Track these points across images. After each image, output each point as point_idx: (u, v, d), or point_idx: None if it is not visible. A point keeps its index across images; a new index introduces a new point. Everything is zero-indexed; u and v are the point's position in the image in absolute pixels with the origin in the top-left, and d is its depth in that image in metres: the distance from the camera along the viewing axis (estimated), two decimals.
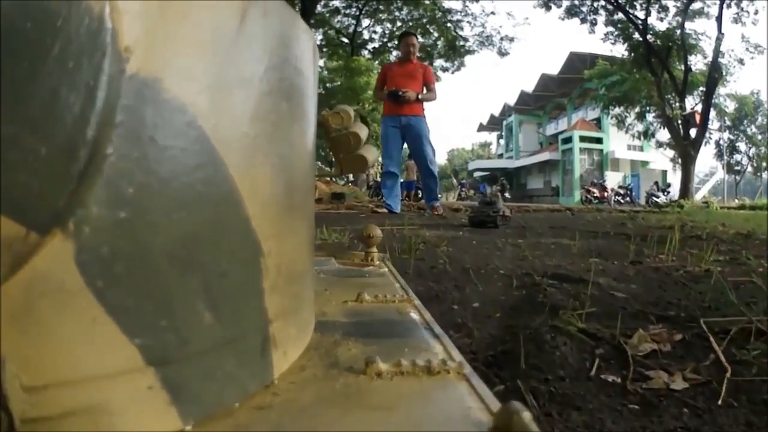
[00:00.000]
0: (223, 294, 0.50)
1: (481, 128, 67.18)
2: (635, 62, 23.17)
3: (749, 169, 40.55)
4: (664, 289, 1.99)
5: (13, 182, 0.35)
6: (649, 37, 21.63)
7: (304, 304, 0.70)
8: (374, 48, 23.79)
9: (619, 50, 24.15)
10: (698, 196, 24.94)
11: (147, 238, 0.43)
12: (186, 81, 0.46)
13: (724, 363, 1.14)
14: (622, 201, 26.52)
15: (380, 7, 22.03)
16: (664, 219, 6.86)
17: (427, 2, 21.18)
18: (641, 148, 41.63)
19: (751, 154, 38.75)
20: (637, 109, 26.55)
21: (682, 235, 3.90)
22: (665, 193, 26.10)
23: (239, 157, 0.52)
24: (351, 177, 20.53)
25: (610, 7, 22.30)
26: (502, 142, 61.37)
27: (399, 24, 21.70)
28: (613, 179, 35.81)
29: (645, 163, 42.64)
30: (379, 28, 23.66)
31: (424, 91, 7.15)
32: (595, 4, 22.69)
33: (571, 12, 23.03)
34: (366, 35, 24.15)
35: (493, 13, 28.13)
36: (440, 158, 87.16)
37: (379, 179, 9.69)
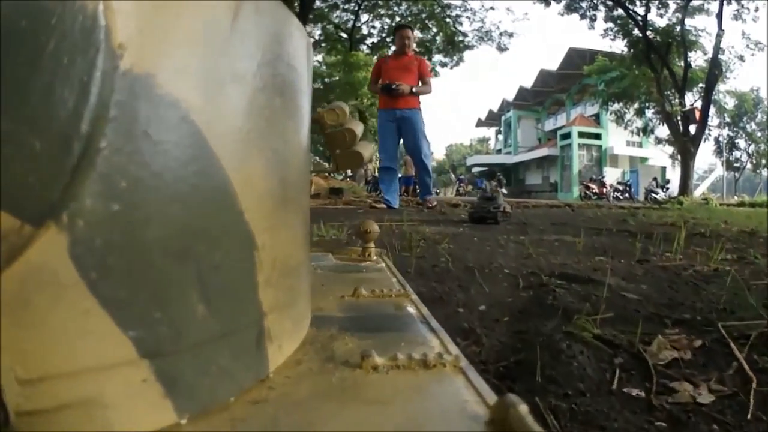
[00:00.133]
0: (217, 287, 0.50)
1: (480, 124, 67.18)
2: (635, 58, 23.16)
3: (748, 166, 40.59)
4: (675, 290, 1.94)
5: (7, 175, 0.35)
6: (648, 33, 21.62)
7: (300, 298, 0.71)
8: (373, 43, 23.77)
9: (619, 46, 24.13)
10: (697, 193, 24.96)
11: (140, 231, 0.43)
12: (179, 77, 0.46)
13: (749, 372, 1.10)
14: (620, 197, 26.61)
15: (379, 2, 22.01)
16: (665, 216, 6.81)
17: None
18: (640, 145, 41.65)
19: (750, 151, 38.80)
20: (636, 105, 26.56)
21: (686, 233, 3.87)
22: (664, 190, 26.16)
23: (232, 152, 0.52)
24: (349, 172, 20.55)
25: (609, 2, 22.27)
26: (500, 137, 61.38)
27: (398, 19, 21.63)
28: (611, 175, 35.85)
29: (644, 160, 42.69)
30: (378, 23, 23.66)
31: (420, 84, 7.15)
32: (595, 0, 22.68)
33: (571, 7, 22.99)
34: (365, 30, 24.15)
35: (492, 8, 28.21)
36: (438, 154, 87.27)
37: (377, 174, 9.66)
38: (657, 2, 21.60)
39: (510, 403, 0.44)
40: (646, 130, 28.37)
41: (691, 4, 21.14)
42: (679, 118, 21.71)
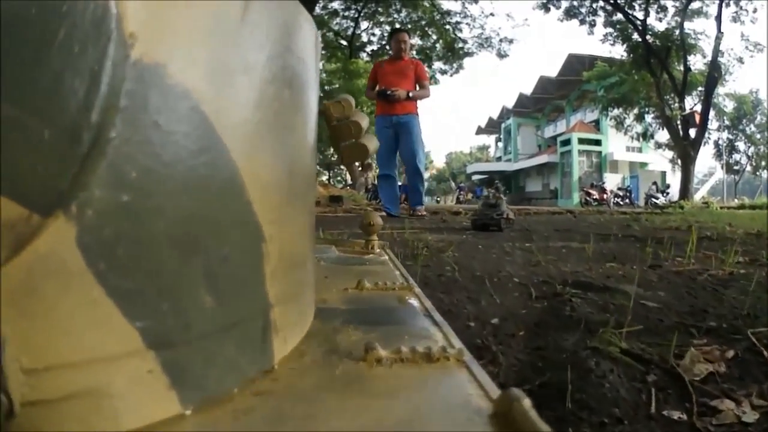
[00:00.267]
0: (225, 278, 0.51)
1: (480, 131, 67.18)
2: (634, 63, 23.19)
3: (748, 168, 40.56)
4: (694, 296, 1.86)
5: (16, 165, 0.36)
6: (648, 37, 21.65)
7: (305, 291, 0.71)
8: (373, 50, 23.77)
9: (618, 51, 24.20)
10: (697, 197, 24.94)
11: (149, 221, 0.43)
12: (189, 67, 0.46)
13: None
14: (621, 203, 26.59)
15: (379, 9, 22.02)
16: (669, 220, 6.75)
17: (426, 4, 21.18)
18: (640, 150, 41.68)
19: (750, 154, 38.78)
20: (635, 111, 26.58)
21: (693, 237, 3.84)
22: (664, 194, 26.13)
23: (241, 143, 0.52)
24: (349, 180, 20.48)
25: (608, 7, 22.33)
26: (500, 145, 61.38)
27: (398, 26, 21.70)
28: (612, 181, 35.87)
29: (644, 165, 42.71)
30: (377, 31, 23.64)
31: (417, 88, 6.97)
32: (594, 5, 22.73)
33: (570, 13, 23.06)
34: (365, 38, 24.16)
35: (492, 14, 28.20)
36: (438, 162, 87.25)
37: (377, 183, 9.55)
38: (656, 6, 21.66)
39: (513, 397, 0.44)
40: (645, 135, 28.39)
41: (689, 7, 21.17)
42: (679, 122, 21.72)
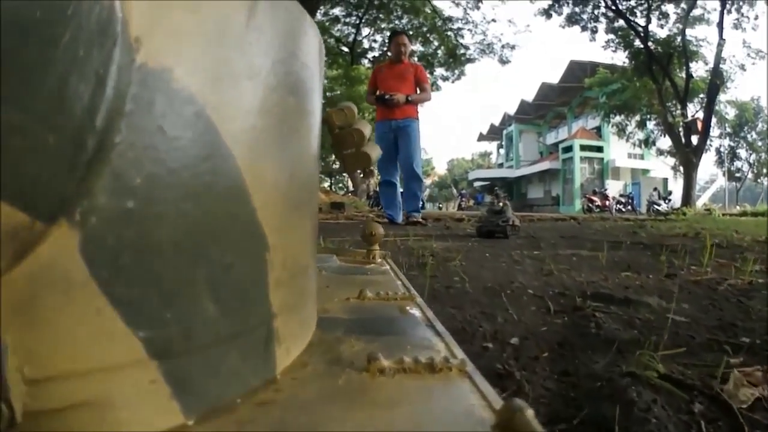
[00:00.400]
0: (229, 287, 0.50)
1: (481, 138, 67.39)
2: (636, 70, 23.23)
3: (749, 175, 40.57)
4: (720, 309, 1.80)
5: (19, 171, 0.35)
6: (649, 44, 21.70)
7: (307, 300, 0.71)
8: (374, 57, 23.81)
9: (620, 58, 24.32)
10: (699, 204, 24.96)
11: (153, 228, 0.43)
12: (195, 72, 0.46)
13: None
14: (623, 209, 26.57)
15: (380, 15, 22.08)
16: (674, 227, 6.73)
17: (428, 11, 21.23)
18: (642, 157, 41.79)
19: (751, 161, 38.79)
20: (637, 117, 26.63)
21: (702, 244, 3.78)
22: (666, 201, 26.13)
23: (246, 149, 0.52)
24: (351, 187, 20.49)
25: (610, 14, 22.38)
26: (502, 151, 61.58)
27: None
28: (613, 188, 35.95)
29: (645, 171, 42.80)
30: (379, 37, 23.72)
31: (417, 91, 6.84)
32: (596, 12, 22.79)
33: (572, 20, 23.12)
34: (366, 44, 24.22)
35: (494, 20, 28.24)
36: (440, 168, 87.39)
37: (378, 189, 9.47)
38: (657, 13, 21.71)
39: (516, 408, 0.43)
40: (647, 142, 28.41)
41: (691, 14, 21.22)
42: (681, 129, 21.75)
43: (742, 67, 22.52)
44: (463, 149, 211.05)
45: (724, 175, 41.54)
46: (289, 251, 0.62)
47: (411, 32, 21.31)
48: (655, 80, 22.14)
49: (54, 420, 0.38)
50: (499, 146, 63.56)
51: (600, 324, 1.52)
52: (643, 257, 3.25)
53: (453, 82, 23.80)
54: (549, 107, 50.09)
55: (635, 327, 1.52)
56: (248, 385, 0.53)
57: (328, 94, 23.57)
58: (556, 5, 22.78)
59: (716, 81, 20.65)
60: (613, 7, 21.83)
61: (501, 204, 4.83)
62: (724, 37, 20.64)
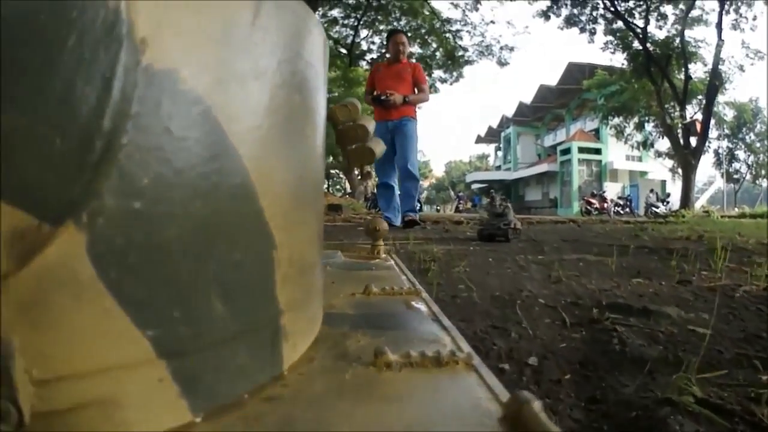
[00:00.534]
0: (236, 285, 0.51)
1: (479, 140, 67.35)
2: (635, 71, 23.25)
3: (748, 177, 40.61)
4: (741, 319, 1.71)
5: (27, 174, 0.36)
6: (648, 45, 21.72)
7: (314, 296, 0.71)
8: (372, 59, 23.79)
9: (619, 59, 24.27)
10: (697, 206, 24.96)
11: (161, 228, 0.43)
12: (201, 73, 0.46)
13: None
14: (621, 212, 26.60)
15: (379, 17, 22.06)
16: (676, 230, 6.63)
17: (426, 12, 21.22)
18: (640, 159, 41.78)
19: (750, 163, 38.83)
20: (635, 119, 26.64)
21: (707, 247, 3.74)
22: (665, 203, 26.15)
23: (253, 149, 0.52)
24: (348, 188, 20.49)
25: (609, 15, 22.40)
26: (500, 153, 61.53)
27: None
28: (611, 190, 35.92)
29: (644, 174, 42.79)
30: (377, 39, 23.67)
31: (415, 92, 6.58)
32: (594, 14, 22.80)
33: (570, 21, 23.11)
34: (364, 46, 24.21)
35: (492, 22, 28.24)
36: (438, 171, 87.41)
37: (376, 191, 9.29)
38: (656, 14, 21.73)
39: (523, 400, 0.44)
40: (646, 144, 28.43)
41: (689, 15, 21.24)
42: (680, 130, 21.77)
43: (741, 68, 22.52)
44: (461, 151, 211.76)
45: (722, 176, 41.57)
46: (296, 248, 0.62)
47: (409, 34, 21.30)
48: (654, 82, 22.13)
49: (62, 420, 0.38)
50: (497, 148, 63.55)
51: (622, 339, 1.44)
52: (650, 262, 3.19)
53: (451, 84, 23.74)
54: (547, 109, 50.11)
55: (659, 342, 1.44)
56: (256, 382, 0.53)
57: (327, 95, 23.54)
58: (555, 7, 22.77)
59: (715, 82, 20.65)
60: (612, 9, 21.84)
61: (499, 205, 4.76)
62: (722, 38, 20.66)
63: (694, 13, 21.40)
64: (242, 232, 0.52)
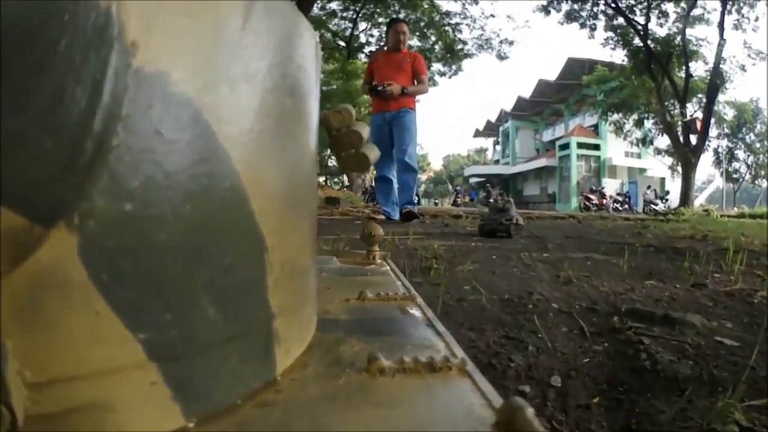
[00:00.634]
0: (228, 289, 0.51)
1: (478, 134, 67.37)
2: (635, 68, 23.26)
3: (747, 177, 40.66)
4: (766, 328, 1.62)
5: (18, 175, 0.35)
6: (649, 42, 21.72)
7: (307, 301, 0.71)
8: (371, 51, 23.78)
9: (619, 56, 24.29)
10: (696, 204, 25.00)
11: (151, 231, 0.43)
12: (191, 76, 0.46)
13: None
14: (620, 208, 26.63)
15: (377, 10, 22.06)
16: (677, 228, 6.60)
17: (425, 5, 21.19)
18: (639, 155, 41.85)
19: (749, 162, 38.87)
20: (635, 116, 26.66)
21: (714, 248, 3.70)
22: (664, 201, 26.19)
23: (244, 152, 0.52)
24: (346, 181, 20.53)
25: (610, 11, 22.40)
26: (498, 148, 61.63)
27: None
28: (610, 186, 35.98)
29: (642, 171, 42.86)
30: (376, 32, 23.69)
31: (415, 83, 6.40)
32: (595, 9, 22.80)
33: (571, 17, 23.12)
34: (363, 38, 24.21)
35: (492, 15, 28.20)
36: (436, 164, 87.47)
37: (374, 184, 9.13)
38: (657, 12, 21.74)
39: (516, 406, 0.44)
40: (645, 141, 28.46)
41: (691, 13, 21.25)
42: (680, 128, 21.79)
43: (743, 68, 22.55)
44: (460, 145, 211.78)
45: (721, 175, 41.65)
46: (288, 253, 0.62)
47: (408, 27, 21.18)
48: (654, 79, 22.17)
49: (55, 423, 0.38)
50: (496, 143, 63.61)
51: (650, 353, 1.34)
52: (660, 262, 3.14)
53: (450, 77, 23.80)
54: (546, 104, 50.15)
55: (688, 356, 1.35)
56: (249, 387, 0.53)
57: (324, 88, 23.54)
58: (555, 2, 22.80)
59: (716, 81, 20.69)
60: (613, 5, 21.84)
61: (501, 200, 4.72)
62: (724, 38, 20.68)
63: (696, 11, 21.44)
64: (233, 236, 0.52)
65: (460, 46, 22.72)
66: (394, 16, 21.42)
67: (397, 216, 6.39)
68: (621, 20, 22.32)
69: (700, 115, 22.19)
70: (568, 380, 1.20)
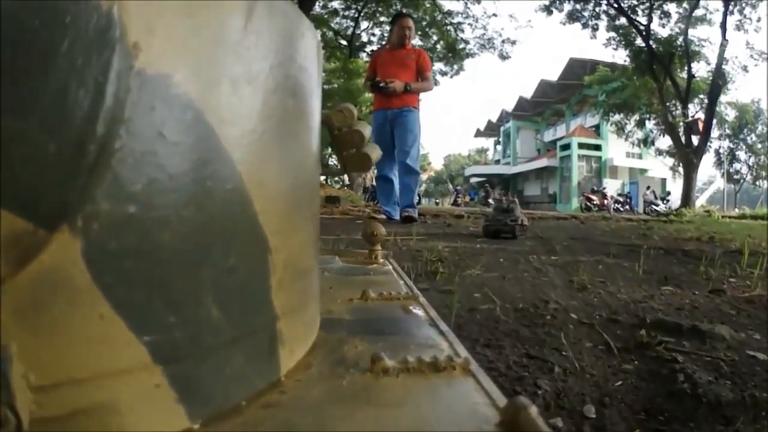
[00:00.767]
0: (232, 290, 0.51)
1: (479, 134, 67.32)
2: (637, 68, 23.24)
3: (748, 178, 40.63)
4: None
5: (21, 179, 0.35)
6: (651, 43, 21.71)
7: (310, 302, 0.71)
8: (372, 51, 23.77)
9: (621, 56, 24.28)
10: (696, 205, 25.00)
11: (155, 233, 0.43)
12: (194, 78, 0.46)
13: None
14: (621, 209, 26.61)
15: (379, 9, 22.04)
16: (682, 229, 6.55)
17: (427, 4, 21.17)
18: (640, 156, 41.81)
19: (750, 164, 38.86)
20: (636, 117, 26.64)
21: (723, 251, 3.66)
22: (665, 202, 26.18)
23: (246, 153, 0.52)
24: (347, 180, 20.53)
25: (612, 12, 22.39)
26: (499, 148, 61.60)
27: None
28: (611, 187, 35.96)
29: (643, 171, 42.80)
30: (377, 31, 23.68)
31: (419, 80, 6.16)
32: (597, 9, 22.79)
33: (573, 17, 23.10)
34: (365, 37, 24.19)
35: (495, 15, 28.17)
36: (436, 163, 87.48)
37: (375, 183, 8.88)
38: (659, 12, 21.73)
39: (520, 405, 0.44)
40: (646, 142, 28.42)
41: (693, 14, 21.24)
42: (681, 128, 21.79)
43: (745, 68, 22.53)
44: (460, 145, 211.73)
45: (722, 176, 41.63)
46: (292, 253, 0.62)
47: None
48: (656, 79, 22.14)
49: (60, 426, 0.38)
50: (497, 143, 63.58)
51: (687, 373, 1.25)
52: (672, 266, 3.10)
53: (452, 77, 23.75)
54: (547, 104, 50.09)
55: (724, 374, 1.27)
56: (253, 388, 0.53)
57: (325, 87, 23.50)
58: (557, 1, 22.79)
59: (718, 81, 20.67)
60: (615, 5, 21.83)
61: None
62: (726, 38, 20.68)
63: (698, 12, 21.43)
64: (237, 237, 0.52)
65: (462, 46, 22.70)
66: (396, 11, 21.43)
67: (398, 216, 6.22)
68: (623, 20, 22.31)
69: (701, 115, 22.18)
70: (602, 409, 1.10)
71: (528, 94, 50.84)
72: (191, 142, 0.46)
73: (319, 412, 0.50)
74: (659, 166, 38.89)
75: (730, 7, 20.59)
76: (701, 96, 22.87)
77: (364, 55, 23.74)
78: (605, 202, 26.66)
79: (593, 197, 27.30)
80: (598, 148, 42.88)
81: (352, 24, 22.83)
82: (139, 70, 0.41)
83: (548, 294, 2.11)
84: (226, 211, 0.50)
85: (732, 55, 25.88)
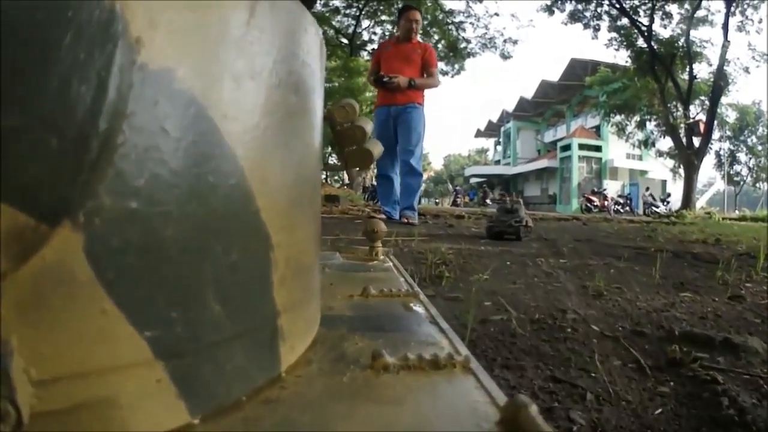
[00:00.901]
0: (233, 286, 0.51)
1: (479, 134, 67.33)
2: (639, 69, 23.23)
3: (748, 180, 40.61)
4: None
5: (23, 173, 0.35)
6: (652, 43, 21.71)
7: (311, 298, 0.71)
8: (373, 49, 23.76)
9: (622, 57, 24.29)
10: (697, 206, 24.99)
11: (157, 229, 0.43)
12: (196, 73, 0.46)
13: None
14: (621, 210, 26.61)
15: (380, 7, 22.02)
16: (686, 231, 6.50)
17: (429, 3, 21.14)
18: (640, 157, 41.80)
19: (751, 165, 38.84)
20: (637, 118, 26.63)
21: (732, 253, 3.63)
22: (665, 203, 26.18)
23: (249, 149, 0.52)
24: (346, 179, 20.50)
25: (614, 12, 22.39)
26: (499, 148, 61.61)
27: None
28: (611, 188, 35.97)
29: (644, 173, 42.84)
30: (379, 29, 23.67)
31: (424, 76, 5.99)
32: (599, 10, 22.78)
33: (575, 17, 23.09)
34: (366, 36, 24.18)
35: (496, 14, 28.12)
36: (436, 164, 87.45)
37: (375, 183, 8.68)
38: (661, 13, 21.72)
39: (520, 404, 0.45)
40: (647, 143, 28.41)
41: (695, 15, 21.24)
42: (682, 130, 21.78)
43: (746, 70, 22.53)
44: (461, 145, 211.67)
45: (723, 178, 41.60)
46: (293, 250, 0.62)
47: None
48: (658, 80, 22.15)
49: (61, 421, 0.38)
50: (497, 143, 63.57)
51: (732, 396, 1.15)
52: (684, 269, 3.06)
53: (452, 76, 23.73)
54: (548, 105, 50.09)
55: (765, 394, 1.19)
56: (254, 383, 0.53)
57: (326, 85, 23.40)
58: (559, 2, 22.79)
59: (720, 82, 20.68)
60: (617, 6, 21.83)
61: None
62: (728, 39, 20.67)
63: (700, 13, 21.43)
64: (239, 233, 0.52)
65: (463, 45, 22.68)
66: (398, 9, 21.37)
67: (398, 216, 6.03)
68: (625, 21, 22.33)
69: (703, 117, 22.18)
70: None
71: (529, 94, 50.87)
72: (194, 138, 0.45)
73: (319, 409, 0.50)
74: (659, 168, 38.92)
75: (732, 8, 20.59)
76: (702, 97, 22.87)
77: (365, 53, 23.73)
78: (605, 203, 26.66)
79: (594, 198, 27.31)
80: (598, 149, 42.88)
81: (354, 22, 22.82)
82: (142, 65, 0.41)
83: (563, 302, 2.03)
84: (229, 207, 0.50)
85: (734, 57, 25.83)
